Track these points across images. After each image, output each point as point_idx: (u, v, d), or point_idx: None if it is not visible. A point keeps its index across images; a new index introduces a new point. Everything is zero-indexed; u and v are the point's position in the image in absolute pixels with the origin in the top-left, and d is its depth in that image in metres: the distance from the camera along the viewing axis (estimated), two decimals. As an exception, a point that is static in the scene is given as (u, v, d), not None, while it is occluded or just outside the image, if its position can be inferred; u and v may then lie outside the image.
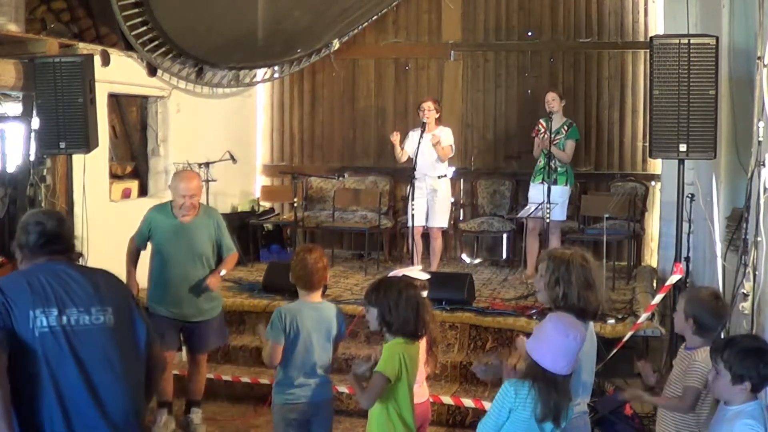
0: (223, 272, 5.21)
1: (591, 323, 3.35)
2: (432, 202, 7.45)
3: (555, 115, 7.39)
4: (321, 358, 3.82)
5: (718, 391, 3.07)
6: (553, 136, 7.32)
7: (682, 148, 5.17)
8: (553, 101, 7.38)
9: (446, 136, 7.42)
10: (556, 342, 2.83)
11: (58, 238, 2.83)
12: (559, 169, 7.30)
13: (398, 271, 4.04)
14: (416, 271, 4.24)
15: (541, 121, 7.52)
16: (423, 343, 3.66)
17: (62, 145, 5.99)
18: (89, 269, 2.92)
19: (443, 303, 6.17)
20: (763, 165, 4.28)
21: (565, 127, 7.39)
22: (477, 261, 8.92)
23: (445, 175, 7.53)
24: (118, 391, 2.76)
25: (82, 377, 2.67)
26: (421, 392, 3.85)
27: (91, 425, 2.69)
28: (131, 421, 2.82)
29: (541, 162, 7.35)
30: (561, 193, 7.28)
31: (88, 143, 6.05)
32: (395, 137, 7.39)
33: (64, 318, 2.66)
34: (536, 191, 7.34)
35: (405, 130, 7.74)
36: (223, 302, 5.41)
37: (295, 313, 3.80)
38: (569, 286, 3.17)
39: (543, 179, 7.14)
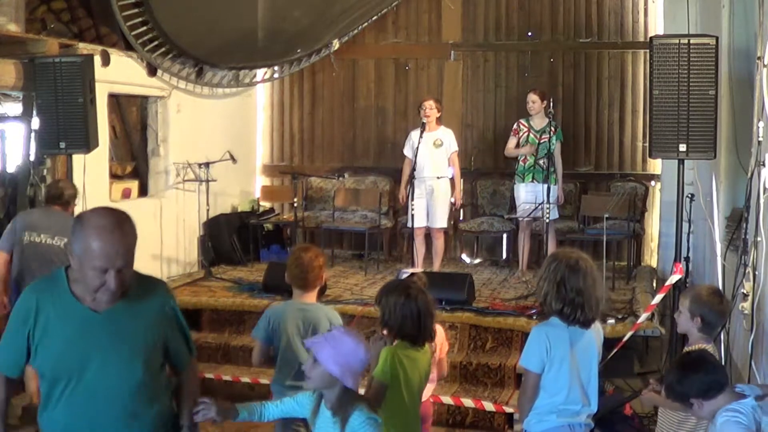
0: None
1: (590, 330, 3.23)
2: (431, 202, 7.46)
3: (536, 115, 7.43)
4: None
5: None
6: (539, 135, 7.35)
7: (682, 148, 5.18)
8: (533, 103, 7.42)
9: (449, 140, 7.52)
10: (350, 356, 2.69)
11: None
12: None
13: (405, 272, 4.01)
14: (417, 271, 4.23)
15: (522, 121, 7.56)
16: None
17: (62, 145, 5.99)
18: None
19: (443, 303, 6.16)
20: (763, 165, 4.28)
21: (552, 128, 7.40)
22: (477, 261, 8.91)
23: (444, 176, 7.54)
24: None
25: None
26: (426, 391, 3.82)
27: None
28: None
29: (530, 161, 7.39)
30: (552, 192, 7.28)
31: (88, 143, 6.05)
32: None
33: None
34: (528, 191, 7.37)
35: (405, 129, 7.75)
36: None
37: (279, 315, 3.75)
38: (551, 285, 3.14)
39: (533, 178, 7.18)
